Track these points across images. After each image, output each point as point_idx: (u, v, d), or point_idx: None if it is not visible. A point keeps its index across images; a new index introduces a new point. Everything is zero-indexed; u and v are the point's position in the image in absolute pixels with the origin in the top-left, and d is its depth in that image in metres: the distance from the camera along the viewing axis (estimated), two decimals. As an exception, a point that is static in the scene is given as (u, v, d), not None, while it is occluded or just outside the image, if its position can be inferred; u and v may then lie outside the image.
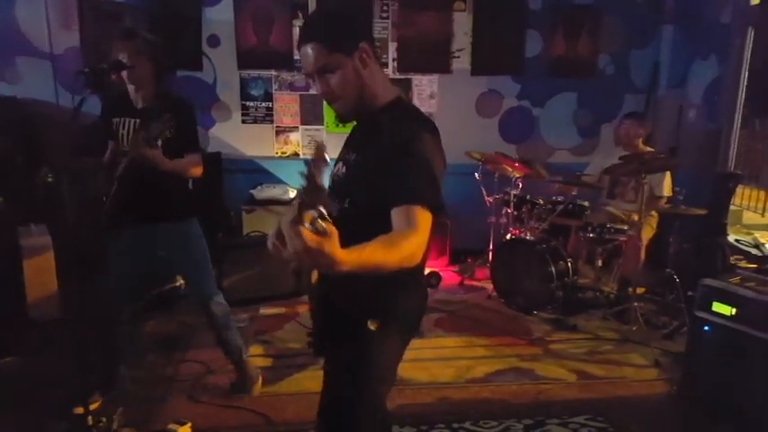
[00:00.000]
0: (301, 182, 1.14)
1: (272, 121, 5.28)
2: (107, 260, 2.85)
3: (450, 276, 5.00)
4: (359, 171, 1.55)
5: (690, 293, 3.53)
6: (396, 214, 1.37)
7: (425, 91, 5.36)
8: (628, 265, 4.22)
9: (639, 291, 4.21)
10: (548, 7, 5.29)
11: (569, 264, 4.22)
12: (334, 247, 1.10)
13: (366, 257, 1.22)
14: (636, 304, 3.83)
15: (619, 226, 4.17)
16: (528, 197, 4.63)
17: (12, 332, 3.39)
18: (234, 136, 5.20)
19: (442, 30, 5.24)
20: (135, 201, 2.71)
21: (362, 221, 1.35)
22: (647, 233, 4.29)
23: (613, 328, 3.96)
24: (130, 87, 2.69)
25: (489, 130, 5.47)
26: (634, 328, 3.81)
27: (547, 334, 3.88)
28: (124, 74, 2.61)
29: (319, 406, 1.64)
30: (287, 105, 5.27)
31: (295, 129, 5.31)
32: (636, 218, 3.93)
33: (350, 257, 1.15)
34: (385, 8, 5.14)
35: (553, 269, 4.08)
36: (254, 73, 5.17)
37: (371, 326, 1.51)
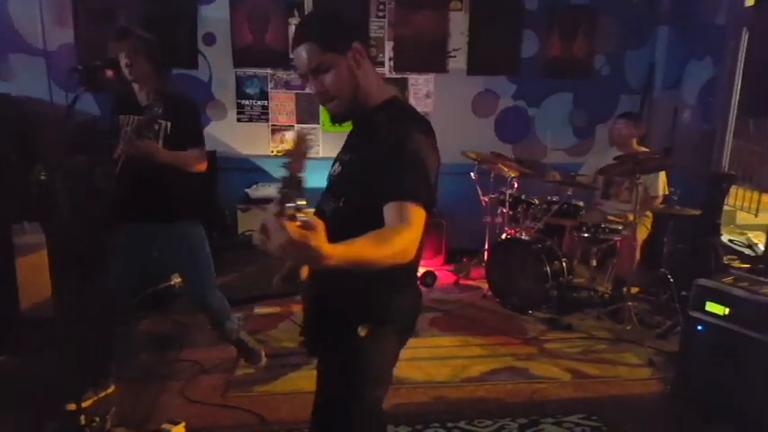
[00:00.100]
0: (283, 174, 1.12)
1: (267, 120, 5.27)
2: (105, 259, 2.84)
3: (445, 276, 5.01)
4: (354, 170, 1.55)
5: (683, 293, 3.55)
6: (388, 210, 1.36)
7: (421, 90, 5.36)
8: (622, 264, 4.23)
9: (634, 290, 4.23)
10: (544, 7, 5.30)
11: (564, 263, 4.23)
12: (319, 240, 1.08)
13: (354, 252, 1.21)
14: (630, 304, 3.85)
15: (613, 226, 4.18)
16: (523, 197, 4.63)
17: (4, 331, 3.37)
18: (229, 134, 5.19)
19: (439, 29, 5.25)
20: (134, 198, 2.72)
21: (358, 220, 1.34)
22: (642, 233, 4.30)
23: (608, 328, 3.97)
24: (134, 85, 2.73)
25: (485, 129, 5.48)
26: (628, 328, 3.82)
27: (542, 333, 3.89)
28: (125, 72, 2.65)
29: (313, 406, 1.63)
30: (282, 104, 5.26)
31: (291, 127, 5.30)
32: (630, 217, 3.94)
33: (336, 252, 1.14)
34: (381, 7, 5.14)
35: (548, 269, 4.08)
36: (250, 71, 5.15)
37: (362, 332, 1.49)
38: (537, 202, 4.57)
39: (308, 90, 5.12)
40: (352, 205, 1.50)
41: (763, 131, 7.52)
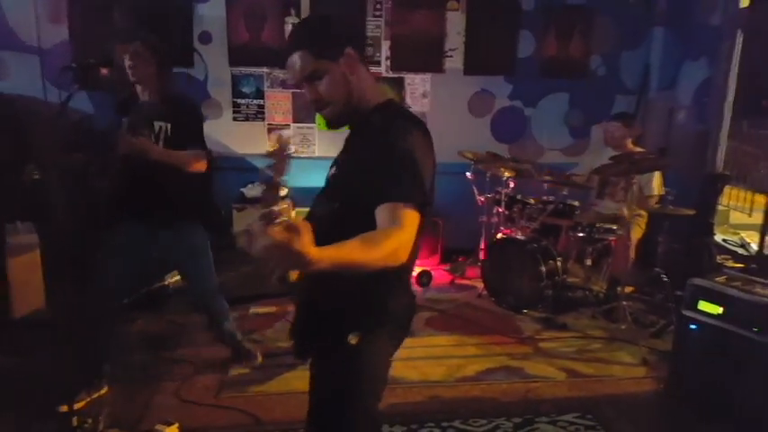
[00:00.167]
0: (265, 177, 1.12)
1: (263, 119, 5.26)
2: (100, 258, 2.84)
3: (441, 275, 5.01)
4: (349, 172, 1.54)
5: (678, 292, 3.56)
6: (380, 212, 1.35)
7: (418, 90, 5.36)
8: (617, 264, 4.24)
9: (628, 290, 4.24)
10: (540, 7, 5.30)
11: (559, 263, 4.24)
12: (303, 244, 1.07)
13: (343, 255, 1.19)
14: (624, 303, 3.86)
15: (608, 225, 4.20)
16: (519, 197, 4.64)
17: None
18: (225, 133, 5.17)
19: (436, 29, 5.24)
20: (133, 197, 2.73)
21: (353, 222, 1.33)
22: (636, 233, 4.31)
23: (602, 327, 3.98)
24: (138, 87, 2.75)
25: (481, 129, 5.48)
26: (623, 327, 3.84)
27: (537, 332, 3.90)
28: (129, 73, 2.67)
29: (308, 407, 1.62)
30: (279, 103, 5.25)
31: (287, 126, 5.29)
32: (625, 212, 3.94)
33: (323, 255, 1.13)
34: (378, 6, 5.13)
35: (543, 268, 4.09)
36: (246, 70, 5.14)
37: (352, 340, 1.47)
38: (532, 201, 4.57)
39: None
40: (348, 207, 1.48)
41: (758, 132, 7.54)
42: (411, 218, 1.33)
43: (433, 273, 4.88)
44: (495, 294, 4.42)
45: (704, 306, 2.84)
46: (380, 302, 1.53)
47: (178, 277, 4.26)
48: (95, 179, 2.76)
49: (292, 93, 5.21)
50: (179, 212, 2.83)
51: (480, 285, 4.58)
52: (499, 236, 4.62)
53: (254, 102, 5.21)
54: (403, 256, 1.32)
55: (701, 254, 4.42)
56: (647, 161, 3.92)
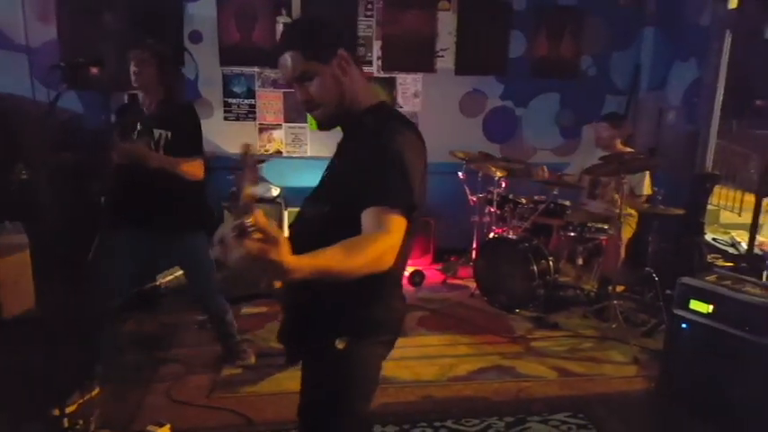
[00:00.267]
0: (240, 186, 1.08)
1: (254, 119, 5.24)
2: (99, 260, 2.83)
3: (433, 275, 5.01)
4: (341, 174, 1.53)
5: (668, 292, 3.58)
6: (366, 216, 1.32)
7: (410, 90, 5.36)
8: (608, 263, 4.26)
9: (619, 289, 4.26)
10: (531, 8, 5.32)
11: (551, 262, 4.26)
12: (280, 253, 1.03)
13: (323, 263, 1.16)
14: (615, 302, 3.88)
15: (599, 225, 4.22)
16: (511, 196, 4.66)
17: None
18: (216, 133, 5.14)
19: (427, 29, 5.25)
20: (133, 203, 2.74)
21: (343, 225, 1.31)
22: (627, 232, 4.33)
23: (593, 326, 4.00)
24: (140, 93, 2.78)
25: (473, 129, 5.49)
26: (614, 326, 3.85)
27: (528, 332, 3.91)
28: (132, 79, 2.70)
29: (298, 408, 1.61)
30: (270, 103, 5.23)
31: (278, 126, 5.28)
32: (616, 211, 3.96)
33: (302, 263, 1.10)
34: (369, 6, 5.13)
35: (535, 268, 4.11)
36: (237, 70, 5.12)
37: (339, 345, 1.46)
38: (524, 201, 4.59)
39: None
40: (338, 210, 1.45)
41: (747, 132, 7.61)
42: (397, 223, 1.30)
43: (425, 272, 4.88)
44: (488, 294, 4.43)
45: (695, 305, 2.85)
46: (367, 307, 1.50)
47: (170, 277, 4.25)
48: (88, 179, 2.74)
49: (283, 92, 5.19)
50: (179, 216, 2.84)
51: (472, 285, 4.58)
52: (491, 235, 4.63)
53: (246, 101, 5.19)
54: (388, 262, 1.28)
55: (692, 253, 4.45)
56: (636, 161, 3.94)
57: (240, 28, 5.02)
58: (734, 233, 5.88)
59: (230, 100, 5.17)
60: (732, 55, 4.67)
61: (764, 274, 3.96)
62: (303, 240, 1.25)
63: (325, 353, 1.48)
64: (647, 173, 4.30)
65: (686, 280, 2.93)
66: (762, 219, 4.34)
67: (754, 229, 4.08)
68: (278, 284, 1.26)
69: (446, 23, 5.26)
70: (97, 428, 2.57)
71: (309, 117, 5.25)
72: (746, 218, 6.19)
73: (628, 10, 5.43)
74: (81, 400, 2.79)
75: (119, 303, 2.91)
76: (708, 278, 2.93)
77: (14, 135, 3.36)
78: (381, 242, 1.26)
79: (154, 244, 2.87)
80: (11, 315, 3.53)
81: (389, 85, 5.25)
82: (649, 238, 4.27)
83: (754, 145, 7.55)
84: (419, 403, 2.99)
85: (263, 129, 5.26)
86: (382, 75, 5.24)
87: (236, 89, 5.16)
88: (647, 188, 4.29)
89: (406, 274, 4.71)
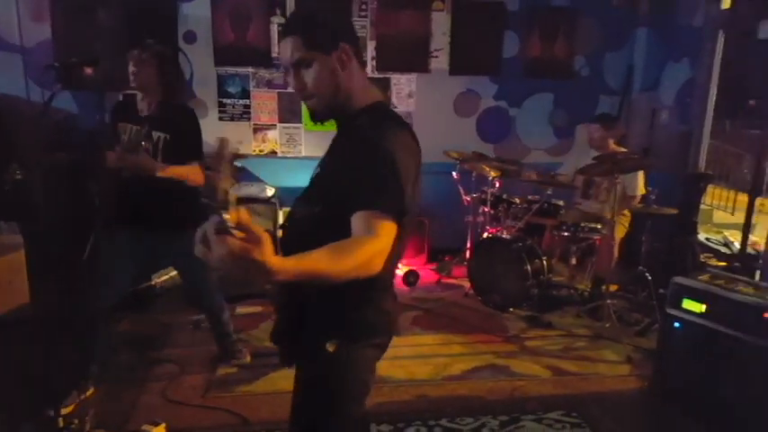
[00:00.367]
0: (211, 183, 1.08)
1: (249, 119, 5.24)
2: (96, 261, 2.82)
3: (427, 274, 5.02)
4: (332, 174, 1.51)
5: (661, 291, 3.60)
6: (356, 219, 1.31)
7: (404, 90, 5.37)
8: (601, 263, 4.28)
9: (612, 288, 4.28)
10: (525, 8, 5.34)
11: (544, 262, 4.28)
12: (263, 253, 1.02)
13: (308, 265, 1.15)
14: (609, 301, 3.90)
15: (592, 225, 4.24)
16: (504, 196, 4.68)
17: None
18: (211, 133, 5.07)
19: (421, 29, 5.26)
20: (133, 206, 2.74)
21: (334, 226, 1.30)
22: (620, 232, 4.36)
23: (587, 325, 4.02)
24: (138, 94, 2.77)
25: (467, 129, 5.51)
26: (607, 325, 3.87)
27: (522, 331, 3.92)
28: (130, 79, 2.69)
29: (291, 408, 1.59)
30: (264, 103, 5.23)
31: (273, 127, 5.28)
32: (608, 215, 3.99)
33: (287, 265, 1.09)
34: (363, 7, 5.14)
35: (529, 267, 4.12)
36: (232, 70, 5.12)
37: (329, 347, 1.45)
38: (518, 201, 4.61)
39: (290, 89, 5.13)
40: (328, 211, 1.44)
41: (739, 132, 7.65)
42: (387, 228, 1.29)
43: (419, 272, 4.89)
44: (482, 293, 4.44)
45: (688, 304, 2.87)
46: (358, 310, 1.49)
47: (165, 277, 4.24)
48: (83, 180, 2.73)
49: (278, 93, 5.19)
50: (179, 216, 2.82)
51: (467, 284, 4.59)
52: (485, 235, 4.65)
53: (240, 102, 5.19)
54: (377, 266, 1.27)
55: (685, 253, 4.48)
56: (629, 161, 3.97)
57: (235, 28, 5.01)
58: (727, 233, 5.91)
59: (225, 100, 5.17)
60: (725, 55, 4.70)
61: (757, 273, 4.00)
62: (294, 241, 1.25)
63: (316, 355, 1.48)
64: (641, 173, 4.32)
65: (679, 279, 2.95)
66: (755, 218, 4.37)
67: (746, 228, 4.11)
68: (266, 285, 1.24)
69: (440, 24, 5.27)
70: (92, 428, 2.57)
71: (304, 117, 5.29)
72: (739, 217, 6.23)
73: (621, 11, 5.45)
74: (77, 401, 2.79)
75: (113, 303, 2.91)
76: (701, 277, 2.94)
77: (9, 135, 3.35)
78: (369, 247, 1.25)
79: (154, 244, 2.87)
80: (6, 314, 3.52)
81: (384, 85, 5.26)
82: (643, 237, 4.30)
83: (747, 145, 7.59)
84: (414, 402, 3.00)
85: (257, 129, 5.26)
86: (376, 75, 5.23)
87: (231, 89, 5.16)
88: (640, 188, 4.31)
89: (401, 273, 4.73)
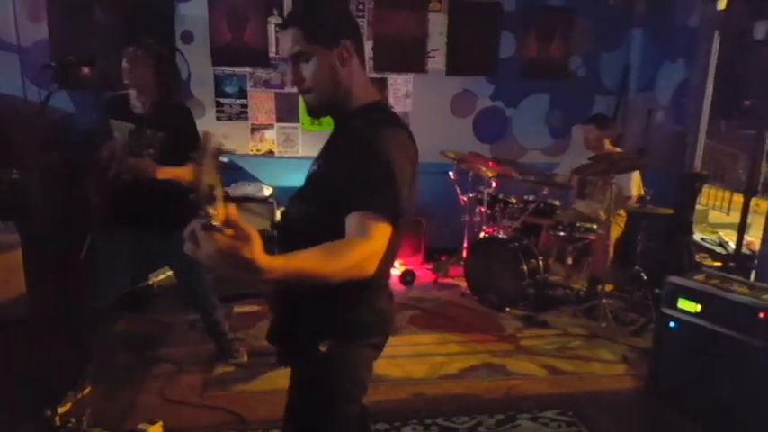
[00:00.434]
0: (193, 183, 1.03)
1: (246, 119, 5.24)
2: (93, 261, 2.82)
3: (424, 274, 5.04)
4: (328, 174, 1.49)
5: (657, 291, 3.62)
6: (350, 221, 1.29)
7: (401, 90, 5.38)
8: (597, 262, 4.30)
9: (608, 288, 4.30)
10: (521, 9, 5.35)
11: (540, 262, 4.29)
12: (251, 251, 1.02)
13: (297, 265, 1.14)
14: (605, 301, 3.91)
15: (588, 225, 4.25)
16: (501, 196, 4.69)
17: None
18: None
19: (418, 29, 5.27)
20: (131, 205, 2.72)
21: (328, 226, 1.30)
22: (615, 231, 4.37)
23: (583, 325, 4.04)
24: (132, 92, 2.73)
25: (463, 129, 5.52)
26: (603, 325, 3.89)
27: (518, 330, 3.94)
28: (123, 75, 2.66)
29: (285, 408, 1.58)
30: (262, 103, 5.23)
31: (270, 126, 5.28)
32: (603, 216, 4.00)
33: (275, 264, 1.08)
34: (360, 7, 5.15)
35: (525, 267, 4.14)
36: (229, 70, 5.12)
37: (322, 348, 1.45)
38: (514, 201, 4.62)
39: (287, 89, 5.15)
40: (323, 210, 1.42)
41: (735, 132, 7.68)
42: (381, 230, 1.28)
43: (416, 272, 4.90)
44: (478, 293, 4.46)
45: (683, 304, 2.88)
46: (352, 310, 1.48)
47: (162, 276, 4.24)
48: (79, 179, 2.73)
49: (275, 93, 5.20)
50: (178, 215, 2.80)
51: (463, 284, 4.61)
52: (482, 235, 4.66)
53: (238, 102, 5.19)
54: (369, 269, 1.26)
55: (680, 252, 4.49)
56: (625, 161, 3.98)
57: (232, 28, 5.02)
58: (722, 233, 5.94)
59: (222, 100, 5.17)
60: (721, 56, 4.72)
61: (752, 273, 4.01)
62: (288, 240, 1.25)
63: (311, 355, 1.47)
64: (636, 174, 4.34)
65: (675, 279, 2.96)
66: (750, 218, 4.38)
67: (742, 228, 4.12)
68: (255, 283, 1.22)
69: (437, 24, 5.28)
70: (89, 427, 2.57)
71: (302, 117, 5.27)
72: (734, 217, 6.26)
73: (617, 11, 5.47)
74: (73, 400, 2.79)
75: (110, 303, 2.91)
76: (696, 277, 2.96)
77: (5, 135, 3.35)
78: (362, 249, 1.24)
79: (152, 244, 2.86)
80: (3, 314, 3.52)
81: (381, 85, 5.27)
82: (638, 237, 4.32)
83: (743, 145, 7.61)
84: (410, 401, 3.01)
85: (254, 129, 5.27)
86: (373, 75, 5.24)
87: (228, 89, 5.16)
88: (636, 188, 4.33)
89: (398, 273, 4.74)
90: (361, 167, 1.35)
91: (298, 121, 5.26)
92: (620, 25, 5.51)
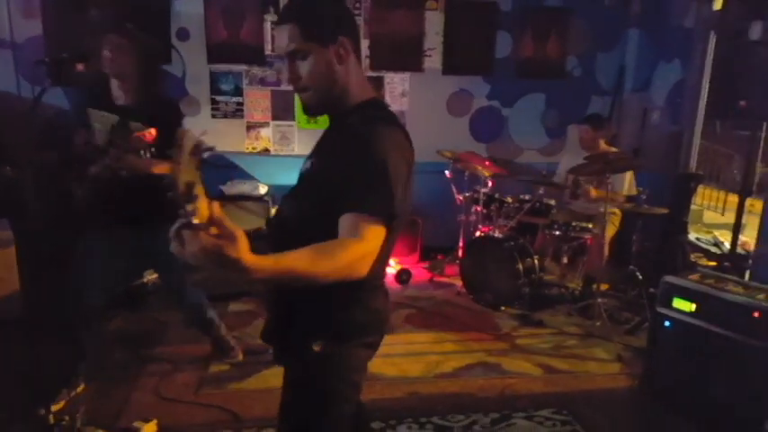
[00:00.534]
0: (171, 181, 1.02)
1: (242, 117, 5.23)
2: (81, 258, 2.79)
3: (420, 273, 5.03)
4: (322, 171, 1.48)
5: (652, 290, 3.62)
6: (344, 221, 1.28)
7: (397, 89, 5.37)
8: (592, 262, 4.30)
9: (603, 287, 4.31)
10: (518, 8, 5.35)
11: (536, 261, 4.30)
12: (237, 250, 1.01)
13: (286, 265, 1.13)
14: (600, 300, 3.92)
15: (584, 224, 4.26)
16: (497, 195, 4.69)
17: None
18: (203, 131, 5.12)
19: (415, 28, 5.27)
20: (117, 201, 2.66)
21: (321, 224, 1.29)
22: (610, 230, 4.38)
23: (578, 324, 4.04)
24: (114, 81, 2.63)
25: (460, 128, 5.52)
26: (598, 324, 3.89)
27: (514, 329, 3.94)
28: (105, 64, 2.55)
29: (279, 406, 1.58)
30: (258, 101, 5.22)
31: (266, 124, 5.27)
32: (600, 209, 4.01)
33: (263, 264, 1.07)
34: (357, 5, 5.14)
35: (520, 266, 4.14)
36: (225, 67, 5.11)
37: (316, 347, 1.44)
38: (510, 200, 4.63)
39: (283, 87, 5.13)
40: (316, 208, 1.41)
41: (730, 133, 7.71)
42: (374, 231, 1.27)
43: (412, 270, 4.90)
44: (474, 292, 4.46)
45: (678, 303, 2.88)
46: (346, 310, 1.47)
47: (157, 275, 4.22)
48: (74, 183, 2.69)
49: (271, 90, 5.19)
50: (165, 213, 2.76)
51: (459, 283, 4.61)
52: (477, 234, 4.66)
53: (233, 99, 5.18)
54: (362, 270, 1.25)
55: (675, 252, 4.51)
56: (621, 161, 3.99)
57: (227, 26, 5.00)
58: (717, 233, 5.96)
59: (218, 98, 5.16)
60: (716, 56, 4.73)
61: (747, 273, 4.03)
62: (281, 239, 1.24)
63: (304, 354, 1.46)
64: (630, 173, 4.35)
65: (670, 278, 2.96)
66: (745, 219, 4.40)
67: (737, 228, 4.13)
68: (243, 283, 1.21)
69: (434, 23, 5.28)
70: (83, 425, 2.56)
71: (298, 115, 5.26)
72: (729, 218, 6.29)
73: (613, 11, 5.48)
74: (67, 398, 2.77)
75: (105, 301, 2.89)
76: (691, 277, 2.96)
77: (-1, 131, 3.34)
78: (353, 250, 1.23)
79: (138, 241, 2.78)
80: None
81: (377, 83, 5.26)
82: (633, 236, 4.33)
83: (738, 145, 7.65)
84: (405, 399, 3.01)
85: (250, 127, 5.26)
86: (370, 74, 5.24)
87: (224, 87, 5.15)
88: (628, 188, 4.34)
89: (393, 272, 4.73)
90: (357, 166, 1.33)
91: (293, 119, 5.25)
92: (615, 25, 5.52)
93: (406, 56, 5.30)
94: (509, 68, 5.46)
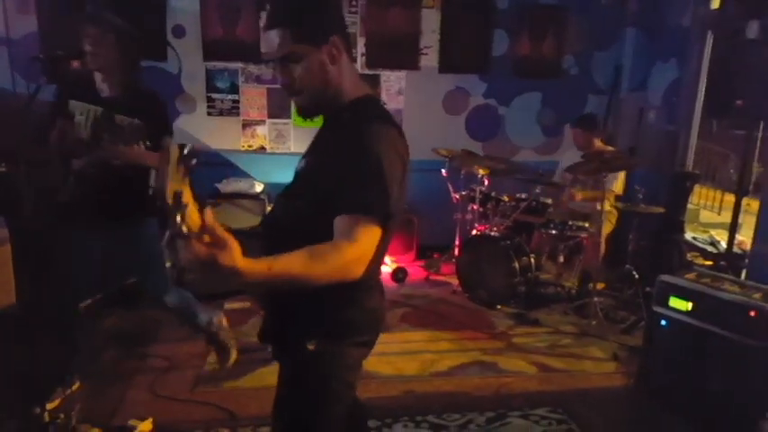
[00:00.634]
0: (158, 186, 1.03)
1: (238, 114, 5.21)
2: (68, 256, 2.76)
3: (416, 271, 5.04)
4: (315, 171, 1.47)
5: (648, 289, 3.63)
6: (338, 222, 1.28)
7: (393, 87, 5.36)
8: (588, 260, 4.31)
9: (599, 286, 4.31)
10: (514, 6, 5.35)
11: (532, 259, 4.30)
12: (231, 257, 1.01)
13: (279, 269, 1.13)
14: (596, 299, 3.93)
15: (580, 223, 4.27)
16: (493, 194, 4.69)
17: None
18: (199, 128, 5.11)
19: (411, 26, 5.26)
20: (99, 199, 2.62)
21: (316, 224, 1.28)
22: (606, 228, 4.39)
23: (574, 323, 4.05)
24: (97, 75, 2.59)
25: (456, 127, 5.52)
26: (593, 323, 3.90)
27: (509, 328, 3.94)
28: (87, 59, 2.50)
29: (273, 403, 1.57)
30: (254, 98, 5.20)
31: (262, 122, 5.26)
32: (597, 206, 4.01)
33: (256, 268, 1.07)
34: (354, 3, 5.12)
35: (516, 265, 4.14)
36: (220, 65, 5.09)
37: (310, 346, 1.44)
38: (506, 199, 4.63)
39: (279, 85, 5.12)
40: (310, 207, 1.40)
41: (726, 132, 7.72)
42: (369, 233, 1.26)
43: (408, 269, 4.90)
44: (470, 290, 4.46)
45: (674, 302, 2.89)
46: (341, 310, 1.47)
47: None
48: (59, 171, 2.67)
49: (267, 88, 5.17)
50: (146, 210, 2.74)
51: (455, 281, 4.61)
52: (473, 233, 4.66)
53: (229, 97, 5.16)
54: (355, 272, 1.25)
55: (671, 251, 4.52)
56: (617, 160, 3.99)
57: (223, 23, 4.99)
58: (713, 232, 5.98)
59: (214, 95, 5.14)
60: (713, 55, 4.73)
61: (743, 272, 4.04)
62: (275, 238, 1.23)
63: (299, 353, 1.46)
64: (621, 172, 4.36)
65: (666, 277, 2.97)
66: (741, 218, 4.40)
67: (733, 227, 4.14)
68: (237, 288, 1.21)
69: (430, 21, 5.27)
70: (78, 423, 2.55)
71: (293, 113, 5.24)
72: (726, 217, 6.30)
73: (609, 10, 5.48)
74: (62, 396, 2.76)
75: (100, 299, 2.87)
76: (687, 276, 2.97)
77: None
78: (347, 252, 1.22)
79: (121, 240, 2.74)
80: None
81: (373, 82, 5.25)
82: (630, 235, 4.33)
83: (734, 145, 7.65)
84: (401, 398, 3.00)
85: (246, 124, 5.24)
86: (366, 71, 5.23)
87: (220, 84, 5.13)
88: (618, 187, 4.34)
89: (389, 270, 4.73)
90: (351, 165, 1.32)
91: (289, 117, 5.24)
92: (612, 24, 5.52)
93: (402, 54, 5.29)
94: (505, 67, 5.46)
